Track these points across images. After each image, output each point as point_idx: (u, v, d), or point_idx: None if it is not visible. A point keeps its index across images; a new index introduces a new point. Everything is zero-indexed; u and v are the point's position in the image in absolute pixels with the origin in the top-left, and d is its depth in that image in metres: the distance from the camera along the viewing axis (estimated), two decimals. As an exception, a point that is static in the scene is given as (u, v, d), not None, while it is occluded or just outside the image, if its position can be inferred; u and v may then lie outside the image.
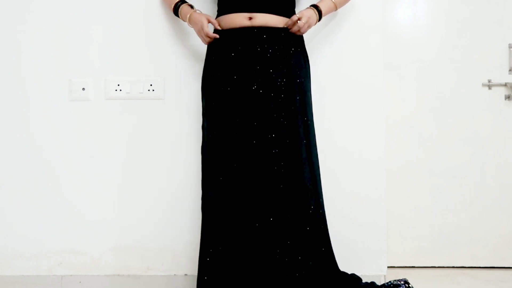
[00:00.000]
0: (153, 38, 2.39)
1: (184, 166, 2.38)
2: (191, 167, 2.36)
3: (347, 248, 2.27)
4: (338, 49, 2.39)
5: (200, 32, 2.12)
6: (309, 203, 2.07)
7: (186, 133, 2.38)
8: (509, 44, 2.75)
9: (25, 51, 2.40)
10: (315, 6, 2.15)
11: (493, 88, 2.76)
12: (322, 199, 2.14)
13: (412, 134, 2.77)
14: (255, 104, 2.05)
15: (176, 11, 2.20)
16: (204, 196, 2.12)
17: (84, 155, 2.40)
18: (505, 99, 2.76)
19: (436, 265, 2.76)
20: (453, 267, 2.76)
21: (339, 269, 2.13)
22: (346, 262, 2.20)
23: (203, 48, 2.23)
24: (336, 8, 2.23)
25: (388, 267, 2.49)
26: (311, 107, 2.16)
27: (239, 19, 2.10)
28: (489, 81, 2.75)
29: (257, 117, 2.05)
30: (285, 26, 2.11)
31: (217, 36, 2.10)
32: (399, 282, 2.15)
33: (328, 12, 2.21)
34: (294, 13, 2.17)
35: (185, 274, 2.39)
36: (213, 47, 2.15)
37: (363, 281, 2.21)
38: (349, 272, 2.22)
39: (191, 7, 2.18)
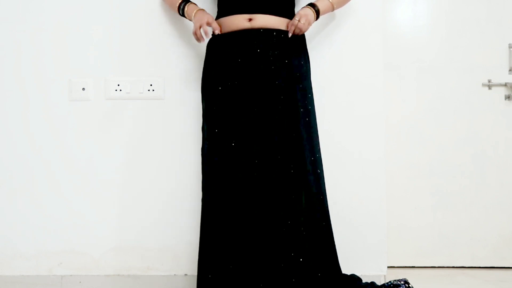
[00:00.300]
0: (153, 38, 2.39)
1: (184, 166, 2.38)
2: (191, 167, 2.36)
3: (347, 248, 2.27)
4: (338, 49, 2.39)
5: (198, 27, 2.07)
6: (313, 208, 2.07)
7: (186, 133, 2.38)
8: (509, 44, 2.75)
9: (25, 51, 2.40)
10: (312, 5, 2.15)
11: (493, 88, 2.76)
12: (327, 203, 2.13)
13: (412, 134, 2.77)
14: (256, 107, 2.05)
15: (181, 9, 2.18)
16: (204, 198, 2.12)
17: (84, 155, 2.40)
18: (505, 99, 2.76)
19: (436, 265, 2.76)
20: (453, 267, 2.76)
21: (341, 272, 2.13)
22: (346, 262, 2.20)
23: (203, 48, 2.23)
24: (333, 9, 2.22)
25: (388, 267, 2.49)
26: (314, 108, 2.15)
27: (238, 21, 2.09)
28: (489, 81, 2.75)
29: (258, 119, 2.05)
30: (286, 29, 2.11)
31: (209, 36, 2.10)
32: (399, 282, 2.15)
33: (325, 11, 2.19)
34: (293, 13, 2.17)
35: (185, 274, 2.39)
36: (212, 49, 2.15)
37: (363, 281, 2.21)
38: (349, 272, 2.22)
39: (196, 5, 2.18)
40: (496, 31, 2.75)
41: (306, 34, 2.21)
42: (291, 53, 2.11)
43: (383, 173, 2.39)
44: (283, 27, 2.12)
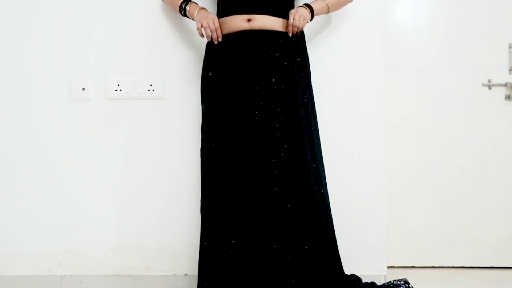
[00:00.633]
0: (153, 38, 2.39)
1: (184, 166, 2.38)
2: (191, 167, 2.36)
3: (347, 248, 2.27)
4: (338, 49, 2.39)
5: (209, 22, 2.06)
6: (315, 207, 2.07)
7: (186, 133, 2.38)
8: (509, 44, 2.75)
9: (25, 51, 2.40)
10: (306, 5, 2.14)
11: (493, 88, 2.76)
12: (329, 202, 2.13)
13: (412, 134, 2.77)
14: (256, 107, 2.05)
15: (183, 8, 2.17)
16: (203, 198, 2.12)
17: (84, 155, 2.40)
18: (505, 99, 2.76)
19: (436, 265, 2.76)
20: (453, 267, 2.76)
21: (343, 272, 2.13)
22: (346, 262, 2.20)
23: (203, 48, 2.22)
24: (328, 10, 2.21)
25: (388, 267, 2.49)
26: (314, 107, 2.16)
27: (237, 22, 2.09)
28: (489, 81, 2.75)
29: (257, 120, 2.04)
30: (285, 30, 2.11)
31: (220, 38, 2.09)
32: (399, 282, 2.15)
33: (320, 12, 2.18)
34: (292, 14, 2.17)
35: (185, 274, 2.39)
36: (211, 50, 2.15)
37: (363, 281, 2.21)
38: (349, 272, 2.22)
39: (197, 5, 2.18)
40: (496, 31, 2.75)
41: (305, 34, 2.21)
42: (291, 54, 2.11)
43: (383, 173, 2.39)
44: (282, 28, 2.12)
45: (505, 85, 2.75)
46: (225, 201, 2.04)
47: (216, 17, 2.10)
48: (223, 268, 2.03)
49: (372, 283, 2.17)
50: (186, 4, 2.17)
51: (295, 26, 2.07)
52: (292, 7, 2.18)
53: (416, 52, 2.76)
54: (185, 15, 2.19)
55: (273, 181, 2.02)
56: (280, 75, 2.08)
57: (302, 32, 2.19)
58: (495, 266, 2.76)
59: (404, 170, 2.76)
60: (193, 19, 2.16)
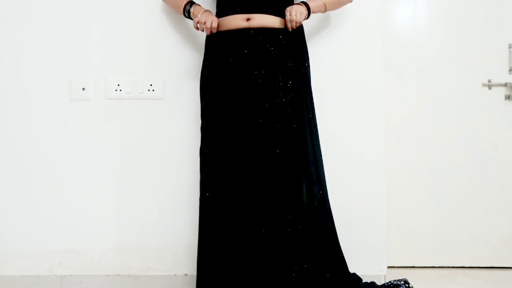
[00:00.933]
0: (153, 38, 2.39)
1: (184, 166, 2.38)
2: (191, 167, 2.36)
3: (347, 248, 2.26)
4: (338, 49, 2.39)
5: (207, 21, 2.08)
6: (315, 206, 2.07)
7: (186, 133, 2.38)
8: (509, 44, 2.75)
9: (25, 51, 2.40)
10: (301, 2, 2.14)
11: (493, 88, 2.76)
12: (329, 202, 2.14)
13: (412, 134, 2.77)
14: (255, 106, 2.05)
15: (187, 10, 2.17)
16: (202, 197, 2.12)
17: (84, 155, 2.40)
18: (505, 99, 2.76)
19: (436, 265, 2.76)
20: (453, 267, 2.76)
21: (347, 270, 2.13)
22: (346, 262, 2.20)
23: (204, 48, 2.22)
24: (325, 9, 2.21)
25: (388, 267, 2.49)
26: (314, 106, 2.16)
27: (236, 21, 2.10)
28: (489, 81, 2.75)
29: (257, 118, 2.04)
30: (284, 28, 2.11)
31: (213, 31, 2.10)
32: (399, 282, 2.15)
33: (317, 10, 2.18)
34: (291, 14, 2.17)
35: (185, 274, 2.39)
36: (210, 49, 2.15)
37: (363, 281, 2.21)
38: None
39: (201, 7, 2.18)
40: (496, 31, 2.75)
41: (305, 33, 2.21)
42: (290, 52, 2.11)
43: (383, 173, 2.39)
44: (281, 27, 2.12)
45: (505, 85, 2.75)
46: (224, 200, 2.04)
47: (217, 20, 2.11)
48: (222, 267, 2.03)
49: (372, 283, 2.17)
50: (190, 6, 2.17)
51: (293, 20, 2.08)
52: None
53: (416, 52, 2.76)
54: (188, 16, 2.19)
55: (273, 180, 2.02)
56: (280, 72, 2.08)
57: (302, 30, 2.18)
58: (495, 266, 2.76)
59: (404, 170, 2.76)
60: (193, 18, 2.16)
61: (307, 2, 2.15)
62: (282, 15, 2.12)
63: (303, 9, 2.11)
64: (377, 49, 2.39)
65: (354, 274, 2.20)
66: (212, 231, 2.05)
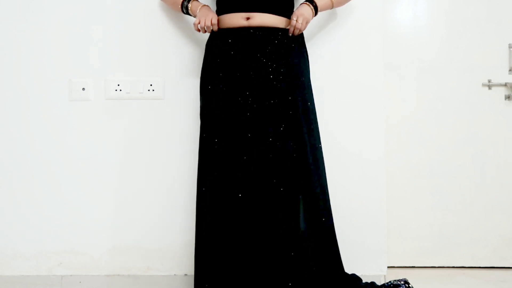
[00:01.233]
0: (153, 38, 2.39)
1: (184, 166, 2.38)
2: (191, 167, 2.36)
3: (347, 248, 2.27)
4: (338, 49, 2.39)
5: (207, 20, 2.07)
6: (315, 205, 2.07)
7: (186, 133, 2.38)
8: (509, 44, 2.75)
9: (25, 51, 2.40)
10: (310, 1, 2.14)
11: (493, 88, 2.76)
12: (329, 201, 2.13)
13: (412, 134, 2.77)
14: (254, 105, 2.05)
15: (184, 7, 2.17)
16: (199, 196, 2.11)
17: (84, 155, 2.40)
18: (505, 99, 2.76)
19: (436, 265, 2.76)
20: (453, 267, 2.76)
21: (343, 270, 2.13)
22: (346, 262, 2.20)
23: (204, 48, 2.22)
24: (332, 6, 2.21)
25: (388, 267, 2.49)
26: (314, 106, 2.15)
27: (236, 19, 2.09)
28: (489, 81, 2.75)
29: (256, 117, 2.04)
30: (284, 27, 2.11)
31: (215, 28, 2.10)
32: (399, 282, 2.15)
33: (324, 8, 2.19)
34: (292, 11, 2.16)
35: (185, 274, 2.39)
36: (210, 48, 2.15)
37: (363, 281, 2.21)
38: (349, 272, 2.22)
39: (199, 2, 2.18)
40: (496, 31, 2.75)
41: (304, 32, 2.21)
42: (290, 52, 2.11)
43: (383, 173, 2.39)
44: (281, 26, 2.11)
45: (505, 85, 2.75)
46: (222, 198, 2.03)
47: (216, 16, 2.11)
48: (220, 267, 2.02)
49: (372, 283, 2.17)
50: (188, 2, 2.17)
51: (297, 28, 2.08)
52: (292, 5, 2.18)
53: (416, 52, 2.76)
54: (187, 13, 2.19)
55: (272, 180, 2.02)
56: (279, 71, 2.07)
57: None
58: (495, 266, 2.76)
59: (404, 170, 2.76)
60: (194, 17, 2.16)
61: (314, 0, 2.14)
62: (282, 14, 2.12)
63: (310, 16, 2.11)
64: (377, 49, 2.39)
65: (354, 275, 2.20)
66: (210, 231, 2.04)
